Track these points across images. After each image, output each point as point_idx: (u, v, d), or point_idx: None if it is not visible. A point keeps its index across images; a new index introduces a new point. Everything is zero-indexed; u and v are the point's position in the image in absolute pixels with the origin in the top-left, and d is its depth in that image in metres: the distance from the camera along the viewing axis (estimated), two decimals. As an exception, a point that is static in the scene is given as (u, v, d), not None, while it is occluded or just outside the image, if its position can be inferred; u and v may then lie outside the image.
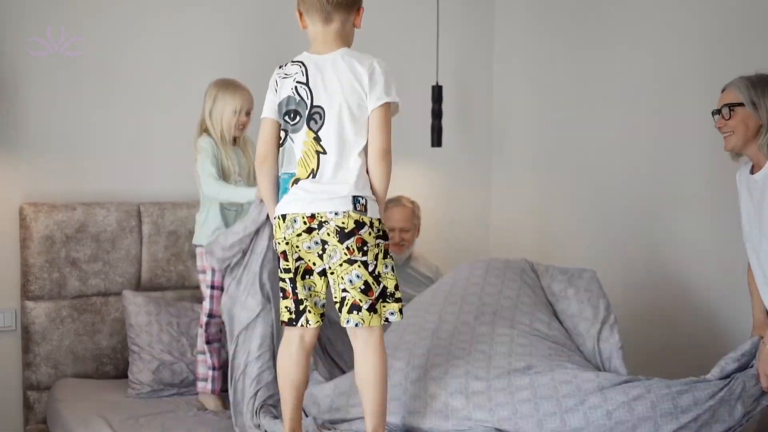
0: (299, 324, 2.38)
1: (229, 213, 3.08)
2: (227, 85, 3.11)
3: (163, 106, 3.57)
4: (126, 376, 3.23)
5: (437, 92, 3.94)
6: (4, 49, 3.28)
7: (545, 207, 4.20)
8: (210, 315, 3.07)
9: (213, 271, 3.03)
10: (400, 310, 2.37)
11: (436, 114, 3.96)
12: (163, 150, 3.57)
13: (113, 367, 3.35)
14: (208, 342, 3.07)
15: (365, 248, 2.30)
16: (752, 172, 2.65)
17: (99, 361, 3.34)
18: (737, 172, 2.75)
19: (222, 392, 3.06)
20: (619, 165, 3.77)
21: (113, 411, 2.89)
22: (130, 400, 3.07)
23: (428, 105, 3.96)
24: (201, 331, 3.08)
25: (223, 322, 2.97)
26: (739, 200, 2.73)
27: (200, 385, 3.08)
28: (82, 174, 3.44)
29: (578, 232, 4.01)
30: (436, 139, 3.97)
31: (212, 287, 3.06)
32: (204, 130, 3.10)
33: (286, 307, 2.40)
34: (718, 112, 2.64)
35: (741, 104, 2.57)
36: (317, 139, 2.33)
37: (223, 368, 3.07)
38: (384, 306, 2.34)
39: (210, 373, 3.07)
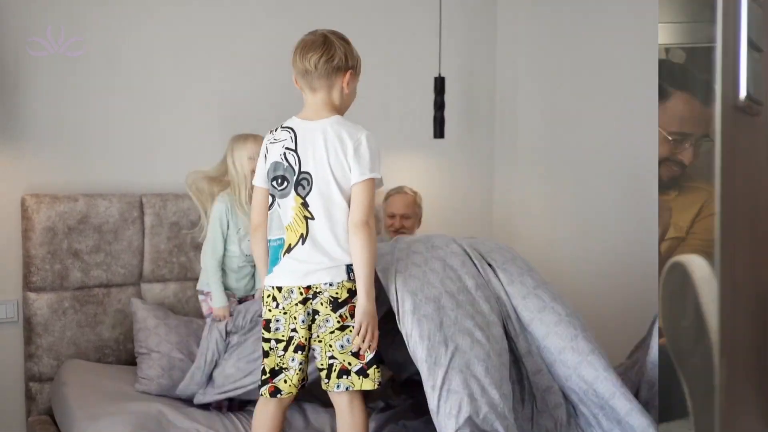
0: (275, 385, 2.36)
1: (231, 263, 3.19)
2: (239, 136, 3.22)
3: (164, 98, 3.57)
4: (128, 365, 3.25)
5: (440, 83, 3.93)
6: (6, 45, 3.27)
7: (547, 198, 4.20)
8: None
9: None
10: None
11: (439, 105, 3.95)
12: (164, 141, 3.57)
13: (115, 358, 3.34)
14: None
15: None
16: None
17: (101, 352, 3.34)
18: None
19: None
20: (622, 156, 3.76)
21: (116, 400, 2.87)
22: (137, 392, 3.03)
23: (431, 96, 3.96)
24: None
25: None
26: None
27: None
28: (84, 165, 3.43)
29: (581, 222, 4.00)
30: (439, 131, 3.96)
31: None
32: (227, 183, 3.22)
33: (264, 369, 2.37)
34: None
35: None
36: (305, 205, 2.33)
37: None
38: (377, 370, 2.34)
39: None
